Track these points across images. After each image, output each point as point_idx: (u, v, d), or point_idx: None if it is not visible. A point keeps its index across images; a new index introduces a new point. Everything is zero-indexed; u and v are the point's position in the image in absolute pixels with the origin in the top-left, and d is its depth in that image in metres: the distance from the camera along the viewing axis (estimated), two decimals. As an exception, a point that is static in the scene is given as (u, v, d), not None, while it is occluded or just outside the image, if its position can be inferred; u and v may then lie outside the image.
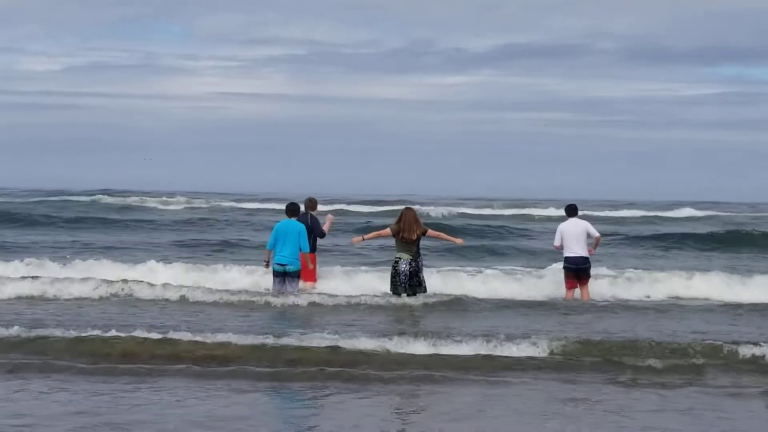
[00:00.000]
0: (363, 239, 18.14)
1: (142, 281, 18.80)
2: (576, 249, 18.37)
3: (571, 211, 18.76)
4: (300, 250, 17.30)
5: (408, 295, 17.35)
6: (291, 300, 17.04)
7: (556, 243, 18.66)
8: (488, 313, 17.03)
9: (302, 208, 18.17)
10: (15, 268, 20.80)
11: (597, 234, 18.56)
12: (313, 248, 17.98)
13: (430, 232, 17.70)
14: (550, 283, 19.67)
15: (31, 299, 17.81)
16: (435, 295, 17.76)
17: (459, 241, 18.55)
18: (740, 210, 66.30)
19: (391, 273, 17.57)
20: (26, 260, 21.40)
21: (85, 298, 17.88)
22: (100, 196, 67.41)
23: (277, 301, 17.10)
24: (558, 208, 64.45)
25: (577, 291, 18.57)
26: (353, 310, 16.76)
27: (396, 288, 17.44)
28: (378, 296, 17.63)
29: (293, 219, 17.46)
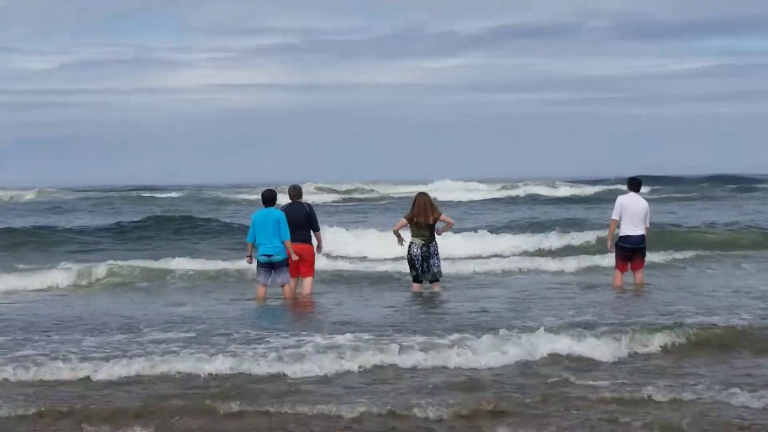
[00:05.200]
0: (400, 239, 17.12)
1: None
2: (634, 227, 16.71)
3: (634, 185, 17.05)
4: (281, 239, 16.12)
5: (430, 281, 17.03)
6: None
7: (614, 216, 16.84)
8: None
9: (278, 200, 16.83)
10: None
11: (648, 224, 17.00)
12: (309, 240, 16.76)
13: (443, 216, 17.14)
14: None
15: None
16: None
17: (449, 222, 17.34)
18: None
19: (407, 258, 17.16)
20: None
21: None
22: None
23: None
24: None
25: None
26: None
27: (412, 270, 17.10)
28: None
29: (271, 207, 16.32)
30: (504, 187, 67.76)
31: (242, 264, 18.36)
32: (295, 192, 17.03)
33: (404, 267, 17.84)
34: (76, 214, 44.01)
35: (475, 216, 38.93)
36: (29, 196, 66.24)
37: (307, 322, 13.92)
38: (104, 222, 34.57)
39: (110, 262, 20.33)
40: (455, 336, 11.62)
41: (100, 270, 19.61)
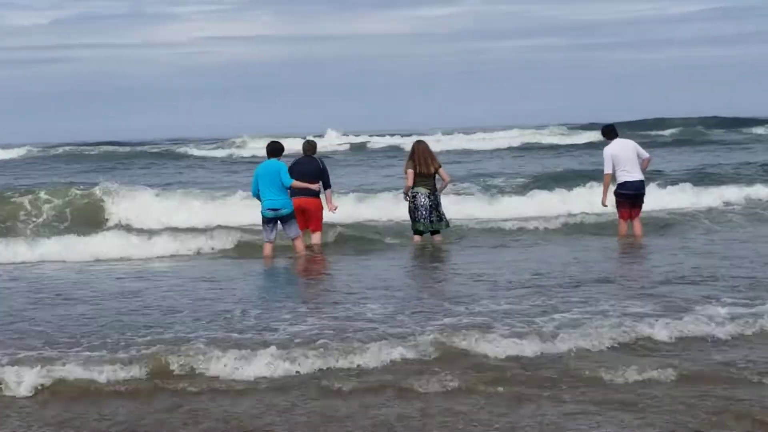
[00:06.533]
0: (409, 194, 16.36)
1: None
2: (633, 172, 16.42)
3: (612, 132, 16.73)
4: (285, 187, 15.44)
5: (431, 233, 16.44)
6: None
7: (607, 170, 16.48)
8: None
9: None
10: None
11: (648, 155, 16.71)
12: (318, 195, 16.28)
13: (441, 171, 16.37)
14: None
15: None
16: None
17: (446, 179, 16.50)
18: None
19: (410, 209, 16.44)
20: None
21: None
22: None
23: None
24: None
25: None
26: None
27: (417, 223, 16.40)
28: None
29: (274, 159, 15.64)
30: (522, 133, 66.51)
31: None
32: (310, 146, 16.59)
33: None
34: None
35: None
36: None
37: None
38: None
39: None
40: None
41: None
